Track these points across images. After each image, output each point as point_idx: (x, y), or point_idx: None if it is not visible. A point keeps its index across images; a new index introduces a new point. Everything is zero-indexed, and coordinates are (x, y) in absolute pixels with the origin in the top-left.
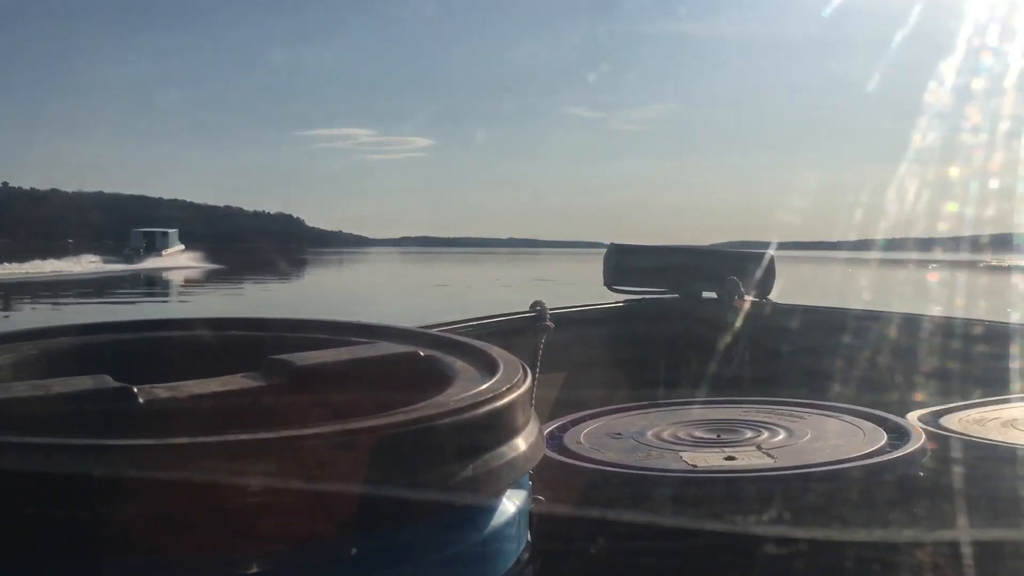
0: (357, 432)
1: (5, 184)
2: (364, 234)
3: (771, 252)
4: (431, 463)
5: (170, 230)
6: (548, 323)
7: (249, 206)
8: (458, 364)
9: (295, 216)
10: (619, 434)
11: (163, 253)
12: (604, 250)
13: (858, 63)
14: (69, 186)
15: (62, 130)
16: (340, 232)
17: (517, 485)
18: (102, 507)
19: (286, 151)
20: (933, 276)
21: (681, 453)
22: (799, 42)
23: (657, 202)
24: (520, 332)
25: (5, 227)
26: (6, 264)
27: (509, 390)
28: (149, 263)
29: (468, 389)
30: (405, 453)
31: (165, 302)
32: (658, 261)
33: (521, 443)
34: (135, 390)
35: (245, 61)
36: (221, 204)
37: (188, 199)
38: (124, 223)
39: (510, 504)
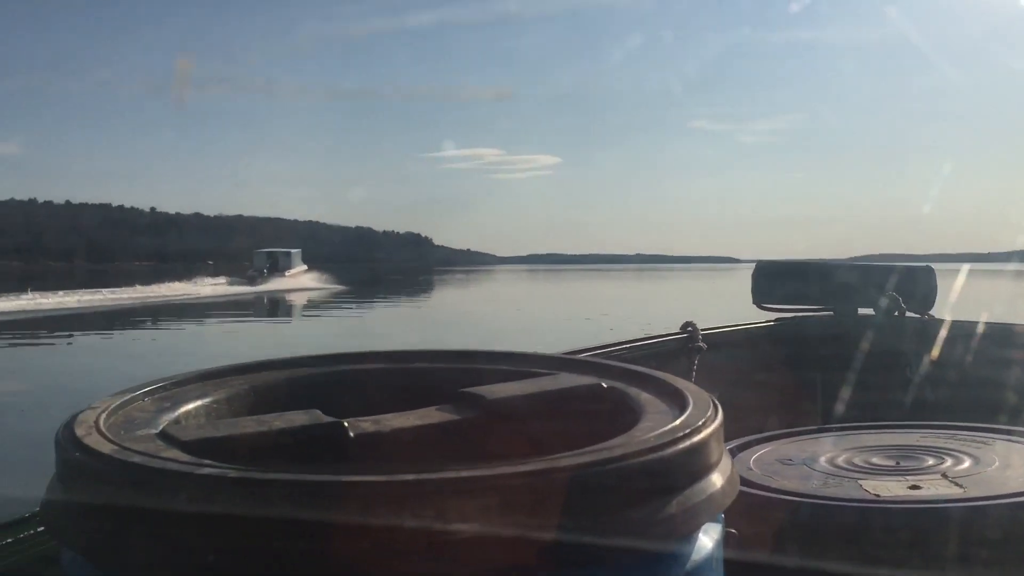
0: (562, 470)
1: (153, 209)
2: (492, 252)
3: (931, 265)
4: (631, 501)
5: (293, 250)
6: (701, 344)
7: (379, 226)
8: (643, 396)
9: (423, 235)
10: (790, 460)
11: (286, 274)
12: (735, 265)
13: (1015, 63)
14: (210, 210)
15: (205, 157)
16: (468, 251)
17: (712, 520)
18: (332, 541)
19: (416, 173)
20: None
21: (860, 481)
22: (943, 43)
23: (788, 215)
24: (672, 354)
25: (152, 250)
26: (127, 288)
27: (704, 424)
28: (272, 284)
29: (660, 424)
30: (606, 491)
31: (288, 322)
32: (809, 277)
33: (718, 480)
34: (346, 424)
35: (377, 85)
36: (352, 225)
37: (322, 220)
38: (261, 245)
39: (707, 540)
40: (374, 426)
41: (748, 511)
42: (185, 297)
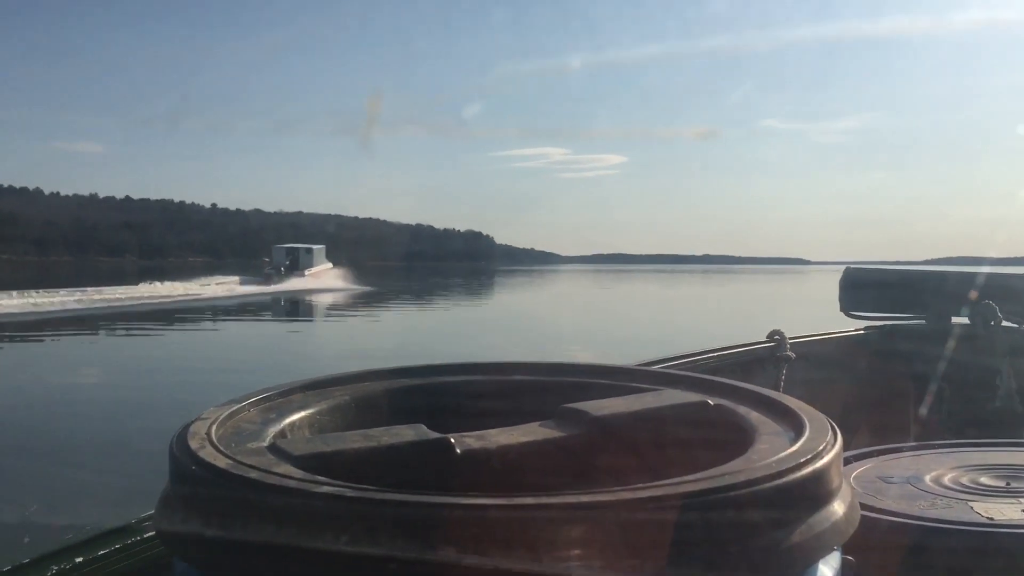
0: (682, 496)
1: (214, 205)
2: (556, 251)
3: None
4: (753, 531)
5: (315, 246)
6: (788, 353)
7: (440, 224)
8: (753, 416)
9: (484, 234)
10: (892, 478)
11: (306, 273)
12: (804, 267)
13: None
14: (270, 206)
15: (265, 153)
16: (532, 249)
17: (832, 550)
18: (449, 563)
19: (482, 172)
20: None
21: (970, 503)
22: None
23: (862, 216)
24: (759, 363)
25: (208, 246)
26: (115, 288)
27: (825, 449)
28: (290, 284)
29: (777, 447)
30: (727, 519)
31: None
32: (900, 285)
33: (839, 508)
34: (452, 440)
35: (443, 86)
36: (413, 223)
37: (383, 218)
38: (319, 241)
39: (827, 570)
40: (479, 442)
41: (864, 534)
42: (181, 299)
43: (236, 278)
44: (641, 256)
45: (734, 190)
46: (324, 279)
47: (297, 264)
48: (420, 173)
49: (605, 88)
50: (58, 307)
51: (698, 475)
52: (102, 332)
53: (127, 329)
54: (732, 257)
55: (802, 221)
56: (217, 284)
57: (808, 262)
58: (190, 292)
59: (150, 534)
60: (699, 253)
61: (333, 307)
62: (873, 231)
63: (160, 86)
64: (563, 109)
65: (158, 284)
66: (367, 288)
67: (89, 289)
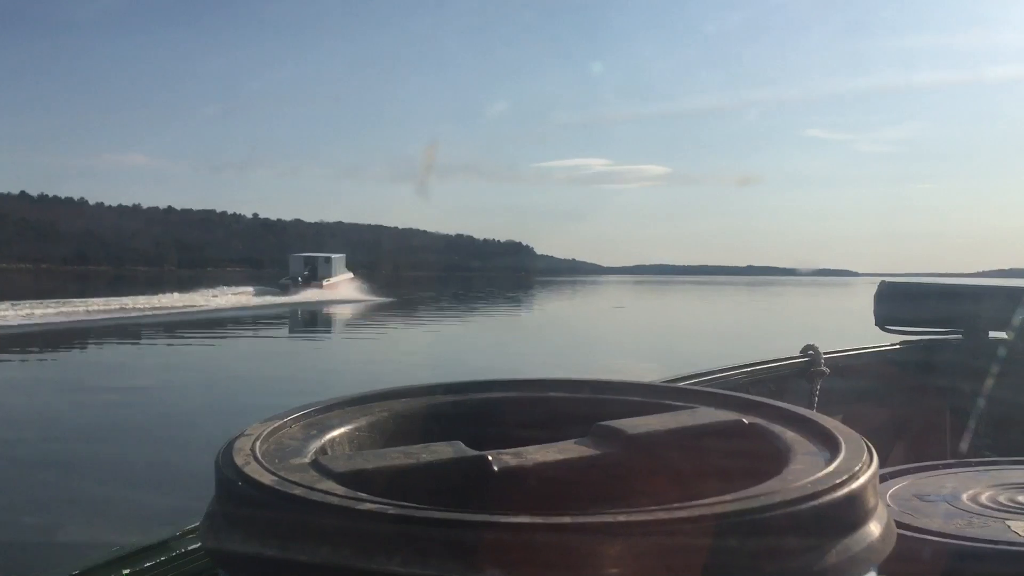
0: (718, 516)
1: (255, 215)
2: (597, 262)
3: None
4: (788, 552)
5: (334, 255)
6: (823, 368)
7: (479, 234)
8: (788, 435)
9: (524, 244)
10: (928, 496)
11: (324, 283)
12: (851, 279)
13: None
14: (310, 216)
15: (305, 163)
16: (573, 260)
17: (868, 571)
18: None
19: (523, 182)
20: None
21: (1008, 522)
22: None
23: (910, 228)
24: (792, 378)
25: (250, 256)
26: (119, 298)
27: (861, 470)
28: (305, 295)
29: (812, 467)
30: (763, 540)
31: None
32: (936, 298)
33: (875, 528)
34: (489, 458)
35: (485, 98)
36: (453, 233)
37: (422, 228)
38: (360, 251)
39: None
40: (516, 460)
41: (900, 553)
42: (184, 311)
43: (251, 288)
44: (683, 267)
45: (778, 201)
46: (343, 290)
47: (315, 274)
48: (461, 183)
49: (647, 98)
50: (29, 321)
51: (733, 496)
52: (73, 349)
53: (97, 344)
54: (776, 268)
55: (849, 232)
56: (232, 295)
57: (855, 273)
58: (193, 304)
59: (194, 546)
60: (742, 264)
61: (351, 320)
62: (921, 243)
63: (208, 99)
64: (604, 118)
65: (175, 295)
66: (386, 299)
67: (94, 300)
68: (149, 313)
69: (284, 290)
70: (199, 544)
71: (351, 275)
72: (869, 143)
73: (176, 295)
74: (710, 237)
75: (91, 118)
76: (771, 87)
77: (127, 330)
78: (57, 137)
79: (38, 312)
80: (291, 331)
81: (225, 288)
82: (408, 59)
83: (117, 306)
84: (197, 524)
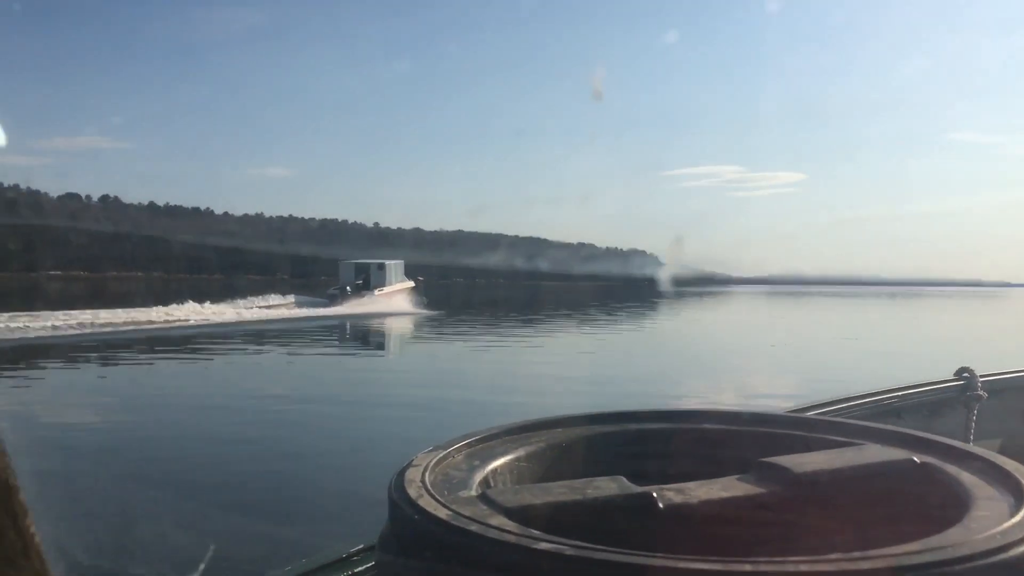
0: (903, 569)
1: (376, 224)
2: (727, 272)
3: None
4: None
5: (390, 262)
6: (980, 392)
7: (601, 243)
8: (963, 477)
9: (648, 253)
10: None
11: (376, 292)
12: (1005, 289)
13: None
14: (429, 225)
15: (429, 172)
16: (701, 270)
17: None
18: None
19: (650, 191)
20: None
21: None
22: None
23: None
24: (946, 404)
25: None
26: (129, 310)
27: None
28: (353, 307)
29: (996, 515)
30: None
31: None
32: None
33: None
34: (654, 495)
35: (613, 105)
36: (575, 241)
37: (544, 237)
38: (477, 259)
39: None
40: (680, 496)
41: None
42: (205, 323)
43: (292, 298)
44: (819, 278)
45: (920, 209)
46: (397, 301)
47: (368, 283)
48: (584, 192)
49: (782, 102)
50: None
51: (915, 546)
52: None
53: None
54: (922, 279)
55: (1002, 240)
56: (266, 306)
57: (1012, 284)
58: (221, 315)
59: (366, 566)
60: (885, 275)
61: (403, 335)
62: None
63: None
64: (739, 125)
65: (207, 305)
66: (432, 312)
67: (102, 312)
68: (163, 326)
69: (332, 301)
70: (371, 564)
71: (411, 283)
72: (1020, 146)
73: (207, 306)
74: (849, 246)
75: (233, 132)
76: (913, 90)
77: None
78: (199, 150)
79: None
80: (335, 345)
81: (268, 298)
82: (546, 63)
83: (112, 320)
84: (362, 546)
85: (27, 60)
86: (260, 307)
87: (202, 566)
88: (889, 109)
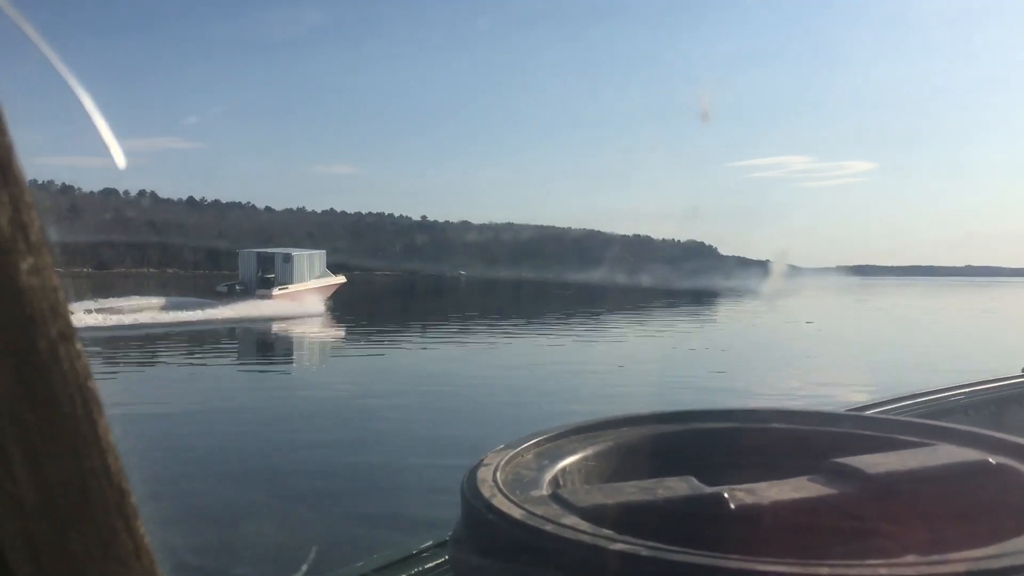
0: (982, 573)
1: (424, 218)
2: (796, 263)
3: None
4: None
5: (301, 251)
6: None
7: (657, 235)
8: None
9: (708, 244)
10: None
11: (276, 291)
12: None
13: None
14: (477, 218)
15: (478, 164)
16: (767, 261)
17: None
18: None
19: (716, 182)
20: None
21: None
22: None
23: None
24: (1016, 400)
25: (407, 256)
26: None
27: None
28: (238, 309)
29: None
30: None
31: None
32: None
33: None
34: (725, 495)
35: (680, 96)
36: (631, 233)
37: (599, 229)
38: (520, 254)
39: None
40: (751, 497)
41: None
42: None
43: (162, 299)
44: (890, 268)
45: (999, 196)
46: (308, 302)
47: (272, 281)
48: (645, 183)
49: (853, 90)
50: None
51: (992, 550)
52: None
53: None
54: (999, 268)
55: None
56: (107, 308)
57: None
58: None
59: (437, 562)
60: (960, 264)
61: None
62: None
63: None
64: (809, 114)
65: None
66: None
67: None
68: None
69: (220, 299)
70: (443, 560)
71: (336, 280)
72: None
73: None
74: (922, 235)
75: (303, 131)
76: (990, 72)
77: None
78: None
79: None
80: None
81: (131, 298)
82: (612, 60)
83: None
84: (432, 543)
85: (103, 65)
86: (97, 311)
87: (304, 567)
88: (961, 93)
